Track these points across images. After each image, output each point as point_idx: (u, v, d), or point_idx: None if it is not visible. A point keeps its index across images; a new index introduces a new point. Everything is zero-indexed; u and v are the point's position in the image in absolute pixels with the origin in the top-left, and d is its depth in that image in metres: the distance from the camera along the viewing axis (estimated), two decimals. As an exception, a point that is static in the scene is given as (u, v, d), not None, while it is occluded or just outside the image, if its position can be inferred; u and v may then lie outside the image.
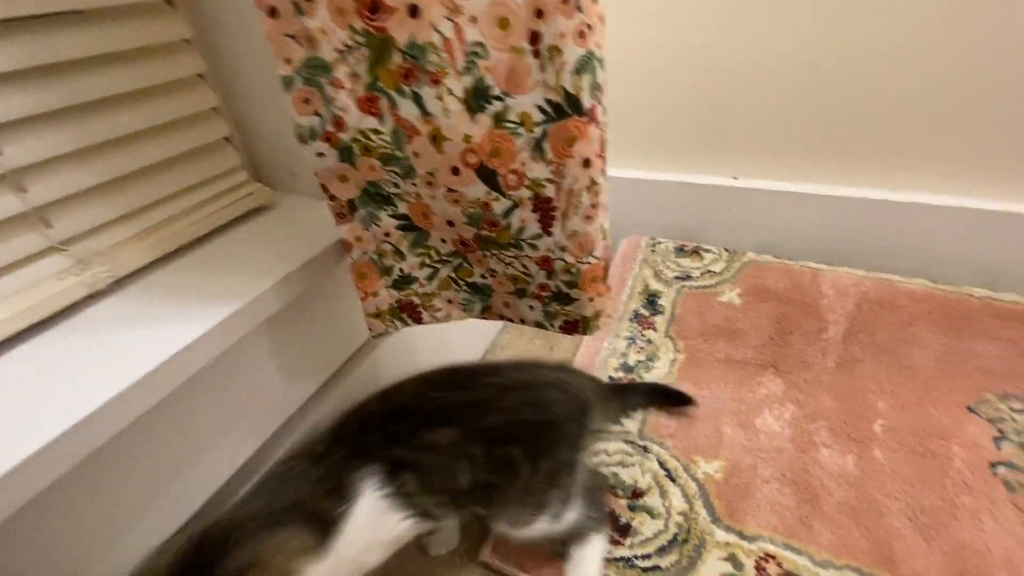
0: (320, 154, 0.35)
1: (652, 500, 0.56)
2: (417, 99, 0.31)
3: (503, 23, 0.29)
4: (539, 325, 0.42)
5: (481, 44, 0.29)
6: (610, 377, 0.71)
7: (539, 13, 0.28)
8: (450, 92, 0.31)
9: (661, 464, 0.60)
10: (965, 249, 0.75)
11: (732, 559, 0.50)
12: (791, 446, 0.60)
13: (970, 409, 0.63)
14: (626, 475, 0.58)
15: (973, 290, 0.73)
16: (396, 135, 0.33)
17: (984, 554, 0.49)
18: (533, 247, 0.36)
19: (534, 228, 0.35)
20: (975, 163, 0.72)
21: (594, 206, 0.34)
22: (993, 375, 0.66)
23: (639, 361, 0.73)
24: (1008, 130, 0.68)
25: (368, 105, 0.33)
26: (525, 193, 0.34)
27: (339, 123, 0.34)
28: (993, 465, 0.57)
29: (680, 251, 0.85)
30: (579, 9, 0.28)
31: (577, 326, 0.40)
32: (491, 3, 0.28)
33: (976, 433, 0.60)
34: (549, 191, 0.34)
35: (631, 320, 0.79)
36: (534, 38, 0.29)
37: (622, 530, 0.53)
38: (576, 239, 0.35)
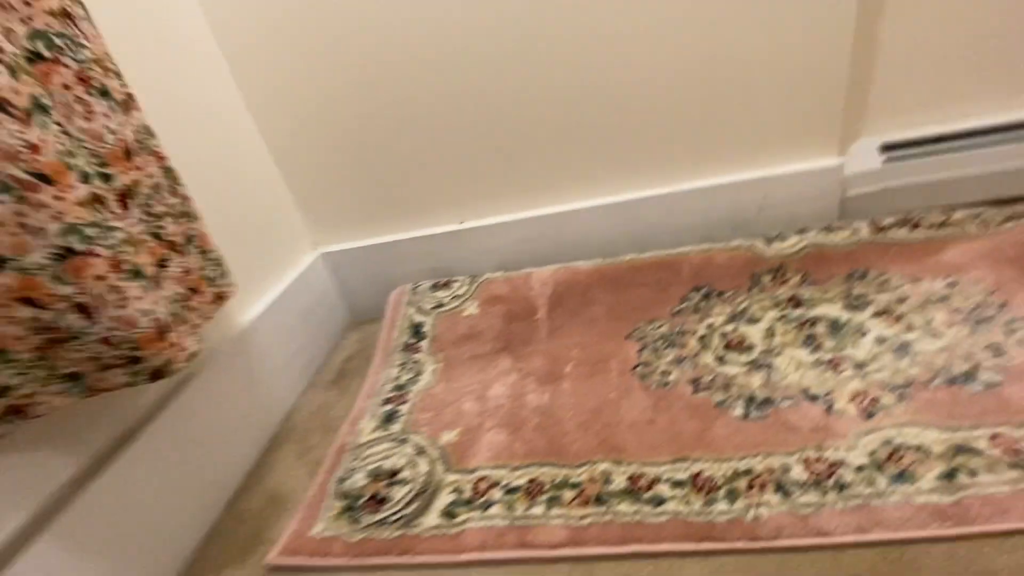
0: None
1: (404, 473, 0.73)
2: None
3: None
4: (130, 384, 0.55)
5: None
6: (385, 399, 0.88)
7: (22, 226, 0.45)
8: None
9: (415, 446, 0.77)
10: (618, 231, 1.06)
11: (457, 490, 0.68)
12: (509, 401, 0.81)
13: (627, 337, 0.89)
14: (388, 464, 0.75)
15: (626, 257, 1.02)
16: None
17: (618, 424, 0.72)
18: (89, 334, 0.50)
19: (83, 323, 0.50)
20: (608, 171, 1.04)
21: (123, 299, 0.51)
22: (642, 310, 0.94)
23: (408, 379, 0.92)
24: (617, 145, 1.01)
25: None
26: (62, 304, 0.49)
27: None
28: (634, 367, 0.82)
29: (434, 287, 1.07)
30: (54, 218, 0.46)
31: (159, 373, 0.55)
32: None
33: (629, 351, 0.86)
34: (82, 299, 0.49)
35: (402, 351, 0.98)
36: (23, 227, 0.46)
37: (379, 503, 0.69)
38: (118, 321, 0.51)
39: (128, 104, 0.59)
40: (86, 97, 0.53)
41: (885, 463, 0.60)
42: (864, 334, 0.78)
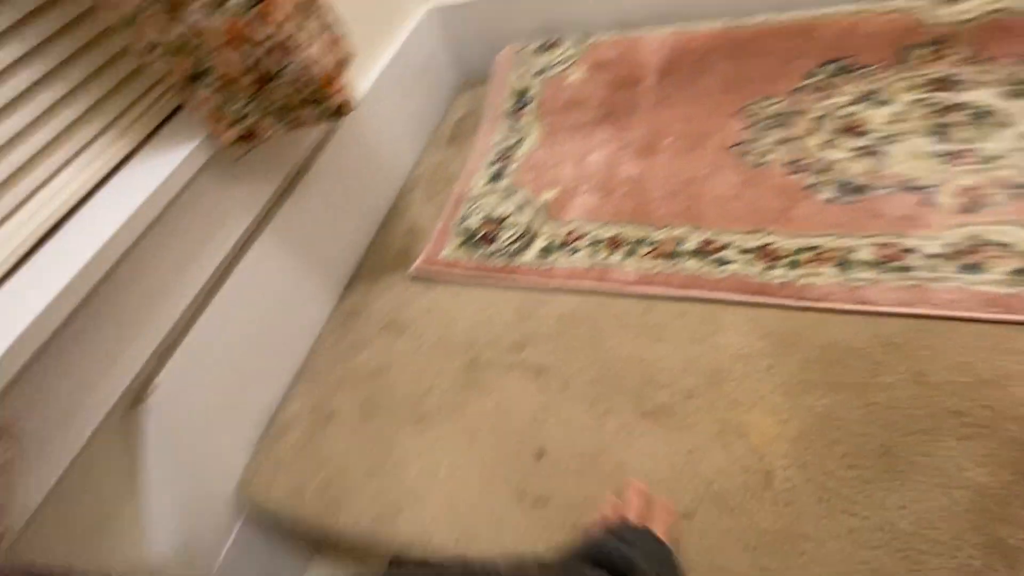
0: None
1: (510, 220, 0.87)
2: (183, 20, 0.55)
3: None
4: (319, 121, 0.67)
5: None
6: (490, 162, 0.99)
7: None
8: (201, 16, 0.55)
9: (519, 200, 0.90)
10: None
11: (551, 236, 0.83)
12: (604, 168, 0.88)
13: (735, 114, 0.87)
14: (496, 212, 0.90)
15: (757, 18, 0.91)
16: (183, 38, 0.57)
17: (703, 196, 0.78)
18: (283, 75, 0.62)
19: (277, 63, 0.60)
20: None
21: (297, 46, 0.59)
22: (759, 83, 0.88)
23: (514, 142, 1.00)
24: None
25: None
26: (263, 48, 0.58)
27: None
28: (733, 146, 0.83)
29: (540, 48, 1.05)
30: None
31: (340, 110, 0.67)
32: None
33: (733, 128, 0.85)
34: (275, 41, 0.58)
35: (507, 116, 1.04)
36: None
37: (490, 241, 0.86)
38: (301, 64, 0.61)
39: None
40: None
41: (960, 255, 0.63)
42: (1008, 127, 0.71)
